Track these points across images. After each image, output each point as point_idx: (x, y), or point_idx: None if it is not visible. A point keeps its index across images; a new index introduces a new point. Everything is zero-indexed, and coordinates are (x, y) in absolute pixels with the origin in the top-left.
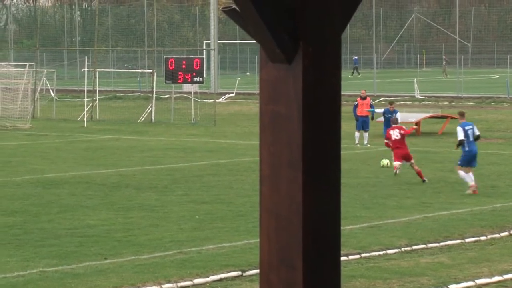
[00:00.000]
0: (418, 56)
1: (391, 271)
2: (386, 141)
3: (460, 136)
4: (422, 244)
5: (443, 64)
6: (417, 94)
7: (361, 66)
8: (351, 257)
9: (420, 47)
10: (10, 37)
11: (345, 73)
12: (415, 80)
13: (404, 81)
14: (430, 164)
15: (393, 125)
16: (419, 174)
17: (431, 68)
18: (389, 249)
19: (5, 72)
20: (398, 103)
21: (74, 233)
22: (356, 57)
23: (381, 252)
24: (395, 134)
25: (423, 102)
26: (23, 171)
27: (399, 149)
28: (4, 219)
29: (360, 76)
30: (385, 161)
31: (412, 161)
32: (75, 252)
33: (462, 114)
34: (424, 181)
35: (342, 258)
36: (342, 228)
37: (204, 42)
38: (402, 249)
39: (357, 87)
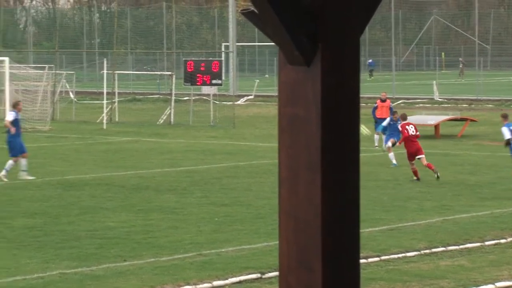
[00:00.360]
0: (437, 58)
1: (411, 274)
2: (402, 142)
3: (507, 135)
4: (442, 247)
5: (460, 66)
6: (436, 97)
7: (380, 68)
8: (370, 259)
9: (439, 49)
10: (29, 39)
11: (364, 75)
12: (434, 82)
13: (423, 83)
14: (450, 166)
15: (406, 122)
16: (429, 167)
17: (450, 70)
18: (408, 251)
19: (24, 74)
20: (417, 105)
21: (94, 235)
22: (371, 60)
23: (400, 255)
24: (411, 129)
25: (442, 105)
26: (43, 173)
27: (412, 144)
28: (24, 220)
29: (373, 77)
30: (364, 131)
31: (423, 155)
32: (95, 254)
33: (505, 116)
34: (436, 173)
35: (362, 261)
36: (361, 230)
37: (223, 44)
38: (422, 251)
39: (376, 89)
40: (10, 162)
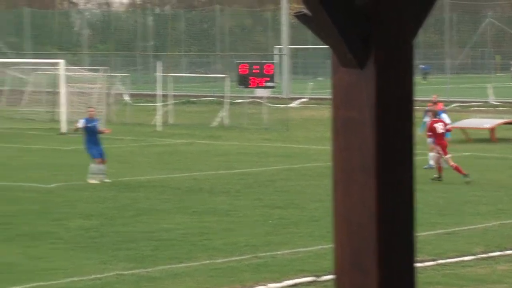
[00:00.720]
0: (493, 61)
1: (467, 278)
2: (429, 133)
3: None
4: (499, 251)
5: (511, 69)
6: (492, 100)
7: (434, 71)
8: (426, 263)
9: (494, 52)
10: (84, 42)
11: (417, 79)
12: (489, 85)
13: (478, 86)
14: (506, 170)
15: (435, 118)
16: (440, 170)
17: (505, 73)
18: (465, 256)
19: (79, 77)
20: (472, 108)
21: (149, 237)
22: (424, 66)
23: (457, 259)
24: (440, 127)
25: (498, 108)
26: None
27: (443, 142)
28: (81, 222)
29: (427, 81)
30: None
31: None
32: (151, 256)
33: None
34: (439, 176)
35: (418, 265)
36: (417, 234)
37: (276, 47)
38: (479, 256)
39: (429, 92)
40: (100, 166)
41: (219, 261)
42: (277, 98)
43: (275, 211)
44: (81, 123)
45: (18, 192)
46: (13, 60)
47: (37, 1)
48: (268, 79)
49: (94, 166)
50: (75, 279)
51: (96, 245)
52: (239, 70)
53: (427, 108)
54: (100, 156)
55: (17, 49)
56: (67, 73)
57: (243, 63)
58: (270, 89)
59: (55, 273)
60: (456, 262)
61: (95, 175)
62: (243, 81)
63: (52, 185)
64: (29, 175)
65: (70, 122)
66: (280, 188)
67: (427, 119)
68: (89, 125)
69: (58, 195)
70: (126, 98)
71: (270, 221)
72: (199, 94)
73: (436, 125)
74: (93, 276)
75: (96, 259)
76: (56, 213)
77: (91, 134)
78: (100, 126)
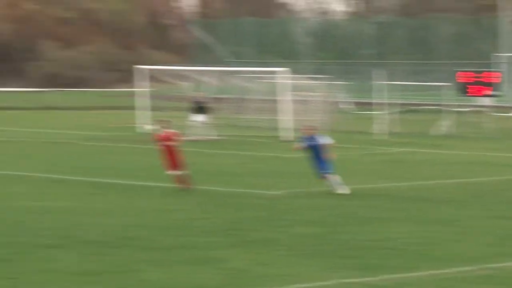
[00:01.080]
0: None
1: None
2: None
3: None
4: None
5: None
6: None
7: None
8: None
9: None
10: (304, 50)
11: None
12: None
13: None
14: None
15: None
16: None
17: None
18: None
19: (301, 85)
20: None
21: (373, 245)
22: None
23: None
24: None
25: None
26: (314, 183)
27: None
28: (303, 229)
29: None
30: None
31: None
32: (375, 264)
33: None
34: None
35: None
36: None
37: (497, 54)
38: None
39: None
40: (331, 179)
41: (445, 271)
42: (502, 107)
43: (503, 222)
44: (300, 144)
45: (247, 199)
46: (237, 69)
47: (257, 11)
48: (491, 87)
49: (331, 181)
50: (298, 285)
51: (318, 252)
52: (458, 78)
53: None
54: (324, 174)
55: (240, 58)
56: (289, 81)
57: (461, 71)
58: (493, 98)
59: (278, 279)
60: None
61: (339, 186)
62: (465, 89)
63: (278, 192)
64: (255, 182)
65: (292, 130)
66: (508, 198)
67: None
68: (309, 144)
69: (283, 202)
70: (347, 106)
71: (498, 232)
72: (419, 102)
73: None
74: (317, 283)
75: (318, 266)
76: (281, 219)
77: (314, 151)
78: (324, 142)
